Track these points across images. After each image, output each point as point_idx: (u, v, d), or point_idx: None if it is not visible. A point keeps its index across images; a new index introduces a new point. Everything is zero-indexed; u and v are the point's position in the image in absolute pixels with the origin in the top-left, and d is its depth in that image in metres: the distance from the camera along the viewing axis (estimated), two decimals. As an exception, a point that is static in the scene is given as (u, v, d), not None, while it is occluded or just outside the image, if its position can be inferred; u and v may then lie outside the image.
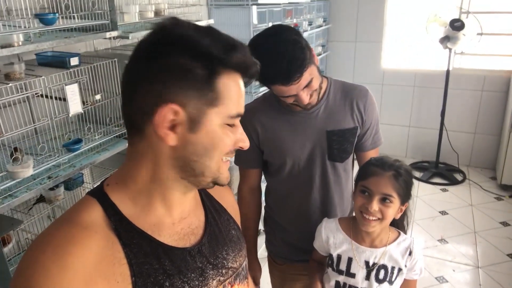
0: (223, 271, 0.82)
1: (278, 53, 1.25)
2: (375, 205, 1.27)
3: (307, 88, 1.32)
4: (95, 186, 0.78)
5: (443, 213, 3.68)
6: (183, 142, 0.70)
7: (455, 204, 3.82)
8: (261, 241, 1.77)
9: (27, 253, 0.64)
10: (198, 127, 0.70)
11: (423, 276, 1.40)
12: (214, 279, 0.79)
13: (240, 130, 0.77)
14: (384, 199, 1.27)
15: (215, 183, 0.78)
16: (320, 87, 1.40)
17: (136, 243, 0.70)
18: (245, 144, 0.78)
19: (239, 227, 0.94)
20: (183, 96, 0.67)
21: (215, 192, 0.92)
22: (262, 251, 1.80)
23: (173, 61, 0.66)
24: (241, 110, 0.75)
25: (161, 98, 0.67)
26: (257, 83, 2.95)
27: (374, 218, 1.28)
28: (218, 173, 0.76)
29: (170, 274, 0.71)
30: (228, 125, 0.74)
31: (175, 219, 0.78)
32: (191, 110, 0.68)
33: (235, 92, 0.73)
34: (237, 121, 0.76)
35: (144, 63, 0.68)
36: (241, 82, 0.74)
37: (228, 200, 0.96)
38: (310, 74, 1.30)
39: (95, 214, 0.70)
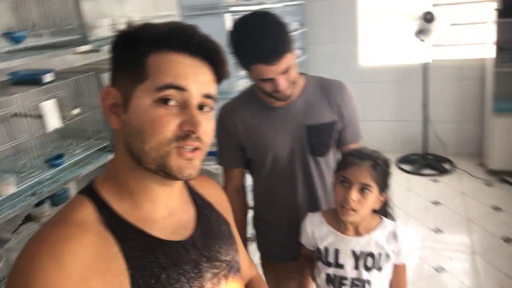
0: (217, 263, 0.82)
1: (264, 32, 1.27)
2: (354, 195, 1.28)
3: (285, 74, 1.33)
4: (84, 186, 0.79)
5: (436, 203, 3.70)
6: (123, 123, 0.73)
7: (446, 193, 3.84)
8: (254, 247, 1.76)
9: (22, 254, 0.64)
10: (129, 106, 0.71)
11: (420, 266, 1.40)
12: (208, 272, 0.79)
13: (190, 112, 0.70)
14: (363, 189, 1.28)
15: (165, 172, 0.71)
16: (296, 82, 1.41)
17: (130, 237, 0.70)
18: (194, 127, 0.69)
19: (228, 223, 0.95)
20: (118, 78, 0.74)
21: (203, 190, 0.93)
22: (257, 256, 1.79)
23: (115, 52, 0.75)
24: (175, 80, 0.69)
25: (105, 85, 0.73)
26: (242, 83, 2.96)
27: (353, 208, 1.28)
28: (163, 160, 0.70)
29: (165, 266, 0.72)
30: (163, 101, 0.69)
31: (163, 214, 0.78)
32: (123, 90, 0.72)
33: (167, 65, 0.70)
34: (183, 99, 0.70)
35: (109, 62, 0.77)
36: (177, 57, 0.71)
37: (217, 198, 0.96)
38: (291, 60, 1.32)
39: (87, 211, 0.70)
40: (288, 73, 1.34)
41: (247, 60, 1.33)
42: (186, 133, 0.69)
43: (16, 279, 0.61)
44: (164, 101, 0.69)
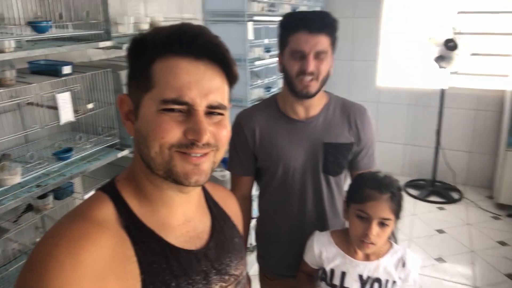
0: (226, 277, 0.81)
1: (316, 11, 1.45)
2: (375, 230, 1.25)
3: (318, 59, 1.36)
4: (106, 182, 0.78)
5: (440, 231, 3.64)
6: (135, 131, 0.73)
7: (452, 222, 3.78)
8: (253, 258, 1.73)
9: (40, 246, 0.64)
10: (138, 114, 0.72)
11: (418, 290, 1.37)
12: (216, 284, 0.79)
13: (194, 120, 0.68)
14: (383, 223, 1.26)
15: (172, 178, 0.70)
16: (323, 79, 1.41)
17: (145, 241, 0.70)
18: (198, 136, 0.67)
19: (241, 236, 0.94)
20: (131, 87, 0.74)
21: (220, 199, 0.93)
22: (254, 268, 1.76)
23: (128, 60, 0.74)
24: (181, 94, 0.67)
25: (122, 82, 0.75)
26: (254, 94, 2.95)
27: (372, 242, 1.26)
28: (169, 166, 0.69)
29: (176, 275, 0.72)
30: (170, 111, 0.68)
31: (179, 221, 0.78)
32: (134, 98, 0.72)
33: (172, 75, 0.68)
34: (188, 108, 0.68)
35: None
36: (181, 62, 0.68)
37: (233, 209, 0.96)
38: (328, 46, 1.39)
39: (107, 210, 0.70)
40: (320, 61, 1.36)
41: (291, 27, 1.37)
42: (191, 142, 0.68)
43: (33, 272, 0.61)
44: (169, 109, 0.68)
